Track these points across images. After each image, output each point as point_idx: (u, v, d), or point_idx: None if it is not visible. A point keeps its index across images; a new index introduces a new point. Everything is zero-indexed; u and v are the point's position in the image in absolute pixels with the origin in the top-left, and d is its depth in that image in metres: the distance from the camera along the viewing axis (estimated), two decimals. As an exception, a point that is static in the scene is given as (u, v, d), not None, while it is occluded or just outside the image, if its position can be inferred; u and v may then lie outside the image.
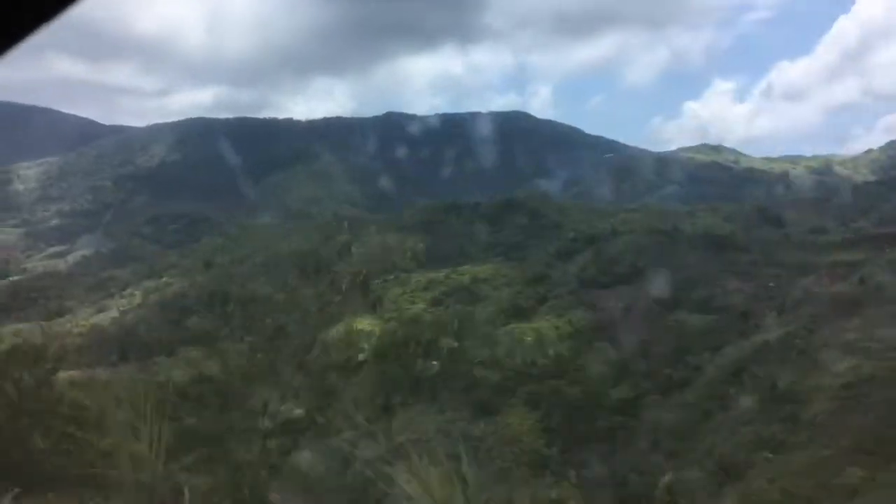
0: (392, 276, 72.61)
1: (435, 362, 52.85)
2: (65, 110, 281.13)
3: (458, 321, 55.95)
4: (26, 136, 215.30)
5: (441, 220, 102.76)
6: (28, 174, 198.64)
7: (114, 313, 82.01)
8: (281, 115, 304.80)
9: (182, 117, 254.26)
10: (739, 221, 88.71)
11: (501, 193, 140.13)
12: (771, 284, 54.16)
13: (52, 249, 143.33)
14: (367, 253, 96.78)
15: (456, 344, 53.59)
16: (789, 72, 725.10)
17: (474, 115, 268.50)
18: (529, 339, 51.58)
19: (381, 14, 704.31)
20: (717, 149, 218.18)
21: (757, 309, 51.29)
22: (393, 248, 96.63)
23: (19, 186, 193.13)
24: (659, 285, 53.37)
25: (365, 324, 59.79)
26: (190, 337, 78.77)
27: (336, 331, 60.57)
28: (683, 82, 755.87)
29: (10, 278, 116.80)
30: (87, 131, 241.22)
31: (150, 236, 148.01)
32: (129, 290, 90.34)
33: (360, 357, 56.38)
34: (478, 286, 64.27)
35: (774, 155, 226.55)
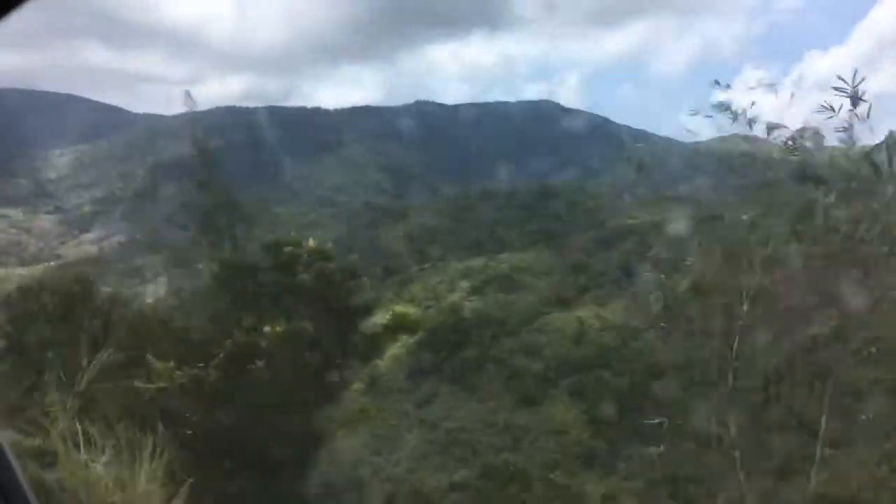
0: (428, 265, 72.05)
1: (475, 351, 52.16)
2: (95, 98, 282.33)
3: (499, 310, 55.17)
4: (58, 124, 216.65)
5: (474, 207, 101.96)
6: (60, 161, 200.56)
7: (149, 300, 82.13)
8: (309, 104, 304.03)
9: (210, 106, 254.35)
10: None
11: (531, 182, 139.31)
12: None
13: (85, 236, 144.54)
14: (401, 241, 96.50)
15: (496, 332, 52.81)
16: (821, 61, 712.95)
17: (503, 104, 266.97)
18: (572, 328, 50.60)
19: (409, 1, 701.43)
20: (749, 139, 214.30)
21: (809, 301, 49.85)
22: (427, 235, 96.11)
23: (52, 174, 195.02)
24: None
25: (404, 311, 59.24)
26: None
27: (376, 318, 60.11)
28: (713, 72, 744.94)
29: (45, 264, 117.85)
30: (117, 119, 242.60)
31: (182, 224, 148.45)
32: (164, 278, 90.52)
33: (397, 346, 55.84)
34: (518, 275, 63.34)
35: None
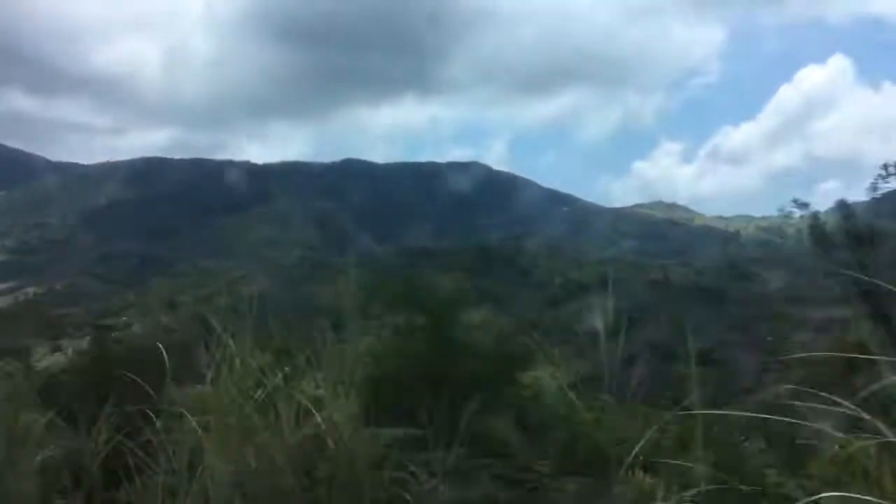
0: (374, 321, 70.25)
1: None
2: (12, 145, 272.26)
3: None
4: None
5: (413, 264, 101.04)
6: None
7: (71, 353, 77.58)
8: (238, 158, 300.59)
9: (135, 156, 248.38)
10: (712, 276, 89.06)
11: (461, 241, 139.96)
12: (769, 338, 53.65)
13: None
14: (338, 297, 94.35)
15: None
16: (733, 135, 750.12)
17: (433, 164, 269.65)
18: (529, 388, 49.77)
19: (343, 62, 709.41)
20: (672, 206, 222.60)
21: (756, 363, 50.54)
22: (365, 292, 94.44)
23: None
24: (656, 335, 52.29)
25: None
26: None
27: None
28: (633, 141, 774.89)
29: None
30: (34, 167, 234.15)
31: (101, 275, 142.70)
32: (85, 330, 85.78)
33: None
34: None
35: (722, 214, 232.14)
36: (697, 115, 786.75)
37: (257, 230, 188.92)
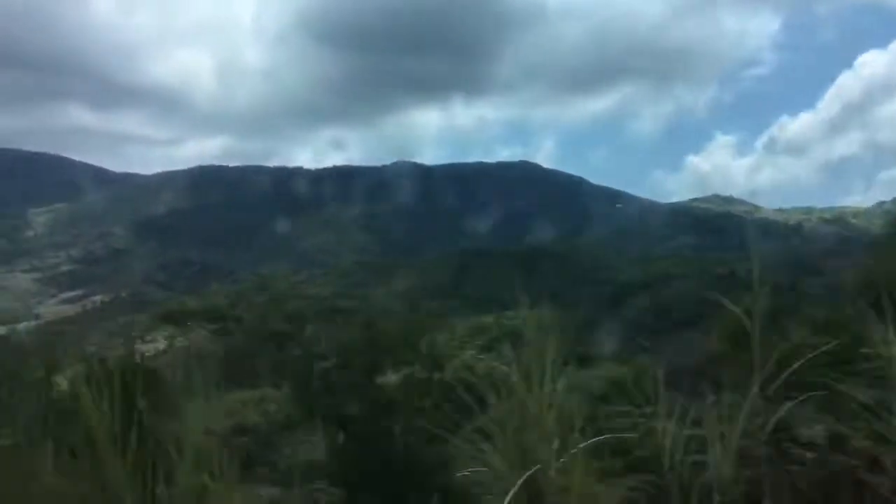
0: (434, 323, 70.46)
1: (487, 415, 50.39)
2: (76, 158, 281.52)
3: (515, 368, 53.62)
4: (37, 183, 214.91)
5: (468, 265, 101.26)
6: (38, 220, 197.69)
7: (137, 360, 79.61)
8: (290, 164, 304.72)
9: (191, 165, 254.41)
10: (779, 270, 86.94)
11: (513, 241, 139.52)
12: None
13: (64, 295, 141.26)
14: (396, 298, 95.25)
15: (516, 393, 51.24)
16: (791, 126, 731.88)
17: (482, 165, 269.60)
18: (595, 386, 49.37)
19: (390, 66, 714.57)
20: (729, 199, 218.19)
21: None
22: (422, 293, 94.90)
23: (29, 233, 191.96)
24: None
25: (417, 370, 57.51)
26: (226, 381, 76.41)
27: (388, 377, 58.36)
28: (686, 136, 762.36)
29: (24, 323, 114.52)
30: (98, 178, 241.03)
31: (162, 282, 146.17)
32: (150, 335, 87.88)
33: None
34: (529, 332, 61.97)
35: (782, 206, 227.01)
36: (752, 106, 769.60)
37: (311, 235, 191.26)
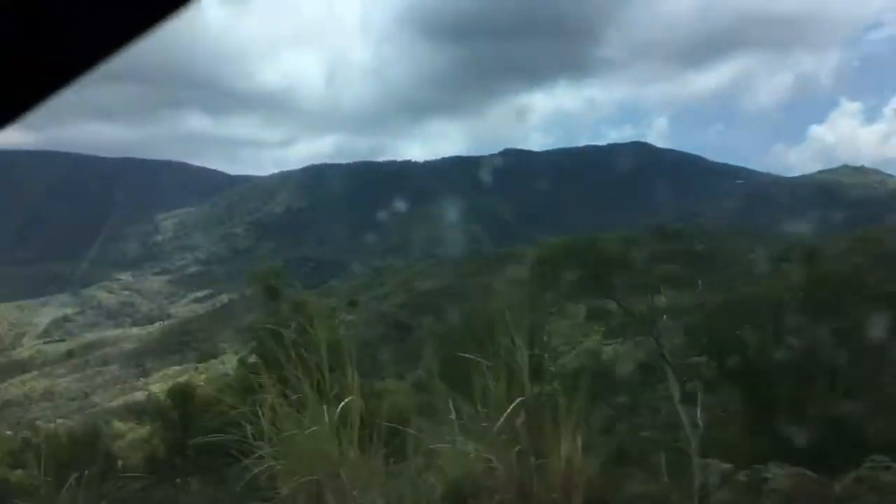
0: (554, 309, 68.86)
1: (623, 398, 48.57)
2: (196, 163, 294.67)
3: (643, 354, 51.49)
4: (162, 190, 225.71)
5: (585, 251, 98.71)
6: (166, 225, 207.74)
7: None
8: (399, 158, 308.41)
9: (302, 165, 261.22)
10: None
11: (630, 224, 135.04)
12: None
13: (193, 295, 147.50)
14: (520, 286, 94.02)
15: (647, 380, 49.23)
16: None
17: (593, 148, 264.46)
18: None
19: (494, 54, 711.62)
20: (860, 170, 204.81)
21: None
22: (539, 281, 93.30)
23: (158, 237, 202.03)
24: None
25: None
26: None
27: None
28: (808, 105, 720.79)
29: (158, 323, 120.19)
30: (216, 182, 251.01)
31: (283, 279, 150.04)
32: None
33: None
34: (657, 316, 59.65)
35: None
36: (879, 70, 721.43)
37: (423, 227, 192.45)
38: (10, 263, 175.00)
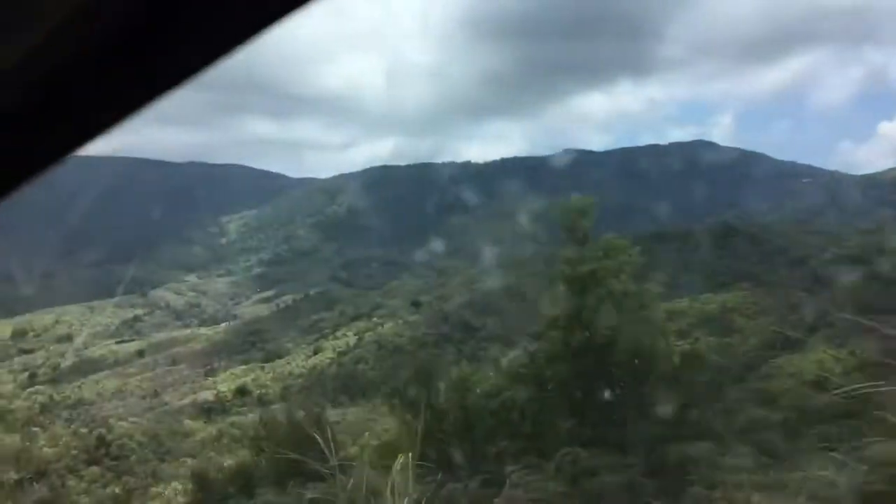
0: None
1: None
2: (258, 167, 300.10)
3: (718, 354, 50.20)
4: (226, 193, 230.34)
5: (650, 250, 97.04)
6: (230, 227, 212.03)
7: (330, 354, 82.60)
8: (458, 160, 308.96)
9: (363, 167, 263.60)
10: None
11: (691, 222, 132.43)
12: None
13: (257, 296, 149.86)
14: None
15: (719, 379, 48.00)
16: None
17: (654, 147, 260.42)
18: (809, 373, 45.01)
19: (553, 54, 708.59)
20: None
21: None
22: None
23: (223, 239, 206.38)
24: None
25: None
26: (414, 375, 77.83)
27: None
28: (878, 101, 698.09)
29: (224, 324, 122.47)
30: (279, 185, 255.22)
31: (345, 280, 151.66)
32: (341, 332, 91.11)
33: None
34: (728, 316, 58.36)
35: None
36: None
37: (484, 227, 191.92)
38: (81, 265, 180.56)
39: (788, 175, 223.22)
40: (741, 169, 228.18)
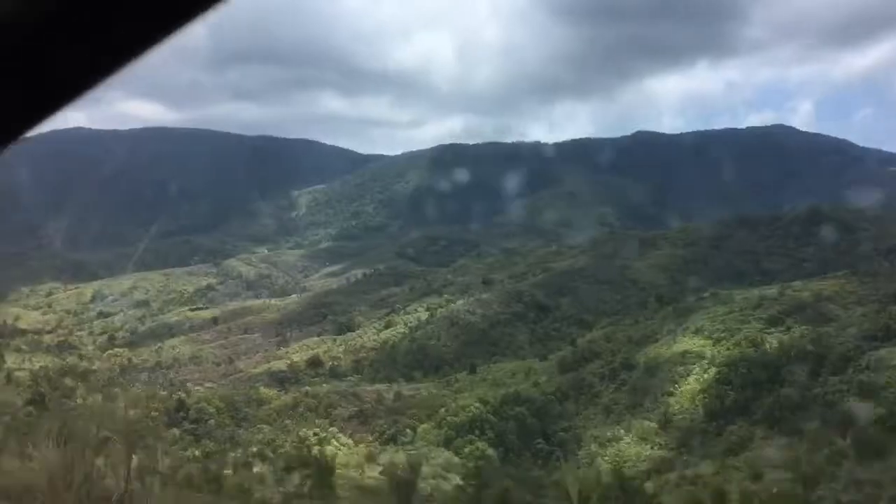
0: (707, 294, 65.65)
1: (790, 389, 45.44)
2: (329, 142, 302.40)
3: (812, 344, 47.99)
4: (297, 168, 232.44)
5: (731, 235, 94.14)
6: (300, 201, 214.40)
7: (402, 328, 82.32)
8: (527, 139, 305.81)
9: (431, 145, 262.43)
10: None
11: (767, 209, 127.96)
12: None
13: (326, 269, 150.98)
14: (654, 271, 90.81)
15: (814, 369, 45.83)
16: None
17: (730, 131, 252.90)
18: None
19: (628, 35, 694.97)
20: None
21: None
22: (681, 264, 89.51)
23: (293, 213, 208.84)
24: None
25: (691, 344, 53.50)
26: (487, 351, 77.29)
27: (658, 351, 54.99)
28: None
29: (294, 296, 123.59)
30: (349, 161, 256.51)
31: (413, 257, 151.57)
32: (412, 307, 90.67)
33: (691, 381, 50.19)
34: (823, 304, 55.56)
35: None
36: None
37: (552, 208, 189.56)
38: (157, 235, 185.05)
39: (875, 162, 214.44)
40: (822, 155, 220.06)
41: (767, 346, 50.00)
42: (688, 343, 53.36)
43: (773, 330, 52.95)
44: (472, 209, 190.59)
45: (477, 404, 51.56)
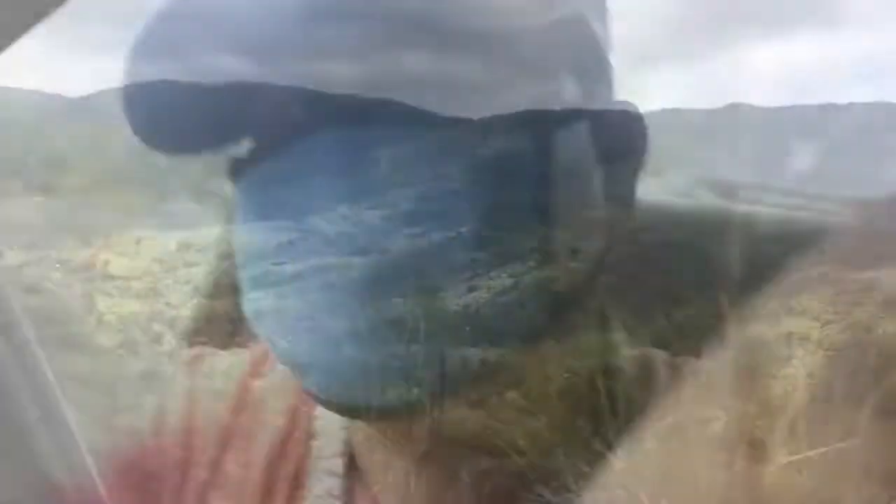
0: (815, 273, 61.16)
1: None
2: (411, 103, 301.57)
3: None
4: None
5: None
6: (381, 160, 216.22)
7: (485, 294, 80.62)
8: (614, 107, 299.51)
9: (515, 109, 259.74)
10: None
11: (870, 189, 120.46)
12: None
13: (406, 231, 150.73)
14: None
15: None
16: None
17: (831, 106, 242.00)
18: None
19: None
20: None
21: None
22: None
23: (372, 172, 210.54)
24: None
25: (794, 325, 49.54)
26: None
27: (757, 330, 51.24)
28: None
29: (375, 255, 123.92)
30: (427, 122, 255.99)
31: (495, 223, 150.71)
32: (494, 273, 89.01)
33: (793, 365, 46.33)
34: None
35: None
36: None
37: (641, 181, 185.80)
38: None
39: None
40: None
41: (880, 332, 45.50)
42: (791, 324, 49.46)
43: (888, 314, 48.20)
44: (557, 175, 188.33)
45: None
